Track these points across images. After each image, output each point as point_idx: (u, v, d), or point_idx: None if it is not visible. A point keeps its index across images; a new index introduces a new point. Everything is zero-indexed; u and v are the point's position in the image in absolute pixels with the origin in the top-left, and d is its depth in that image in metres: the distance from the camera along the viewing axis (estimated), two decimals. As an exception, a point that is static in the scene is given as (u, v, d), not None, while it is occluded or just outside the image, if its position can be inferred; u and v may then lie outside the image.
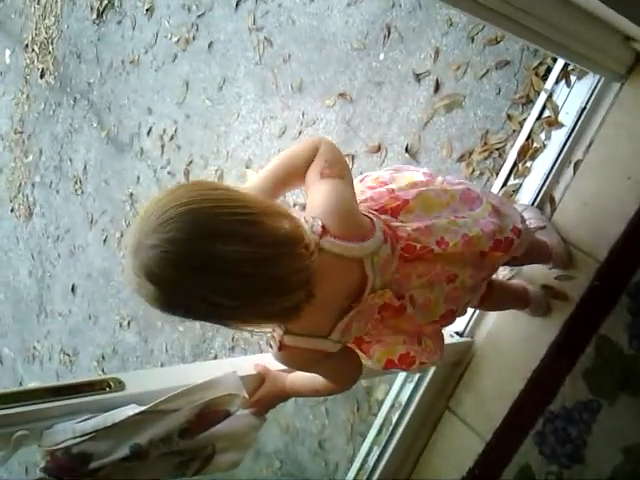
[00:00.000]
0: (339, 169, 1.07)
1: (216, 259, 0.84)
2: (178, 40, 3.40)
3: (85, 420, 0.97)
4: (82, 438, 0.95)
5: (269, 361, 1.24)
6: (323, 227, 0.98)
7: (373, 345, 1.22)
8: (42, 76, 4.71)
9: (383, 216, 1.14)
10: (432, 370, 1.78)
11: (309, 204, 1.06)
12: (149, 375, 1.27)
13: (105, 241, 3.86)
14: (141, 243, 0.85)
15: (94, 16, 4.17)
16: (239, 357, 1.51)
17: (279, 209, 0.94)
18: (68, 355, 4.05)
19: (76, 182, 4.16)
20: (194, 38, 3.31)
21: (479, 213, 1.22)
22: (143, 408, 1.01)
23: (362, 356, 1.22)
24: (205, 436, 1.14)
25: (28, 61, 4.95)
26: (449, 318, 1.28)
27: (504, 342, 1.73)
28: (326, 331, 1.03)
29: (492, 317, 1.77)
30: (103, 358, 3.69)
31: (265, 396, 1.25)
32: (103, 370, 3.69)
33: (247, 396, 1.17)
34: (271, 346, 1.05)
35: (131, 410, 1.00)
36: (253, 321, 0.96)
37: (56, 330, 4.22)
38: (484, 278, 1.32)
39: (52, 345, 4.23)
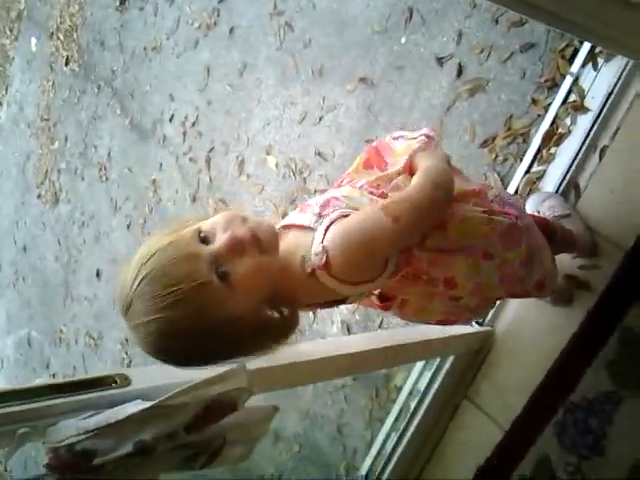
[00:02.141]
0: (403, 212, 0.96)
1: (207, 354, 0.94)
2: (199, 26, 3.39)
3: (89, 417, 0.97)
4: (85, 435, 0.95)
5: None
6: (325, 264, 0.93)
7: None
8: (67, 64, 4.74)
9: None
10: (451, 358, 1.76)
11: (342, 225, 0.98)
12: (155, 370, 1.26)
13: (129, 227, 3.89)
14: (130, 324, 0.90)
15: (117, 3, 4.19)
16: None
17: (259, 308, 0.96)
18: (93, 338, 4.11)
19: (101, 169, 4.20)
20: (215, 24, 3.29)
21: (511, 257, 1.14)
22: (148, 404, 1.00)
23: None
24: (216, 428, 1.13)
25: (53, 49, 4.99)
26: (446, 324, 1.27)
27: (525, 332, 1.70)
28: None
29: (513, 306, 1.74)
30: (127, 341, 3.73)
31: None
32: (127, 353, 3.73)
33: (254, 390, 1.16)
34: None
35: (135, 406, 0.99)
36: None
37: (82, 314, 4.28)
38: (494, 302, 1.32)
39: (78, 328, 4.30)
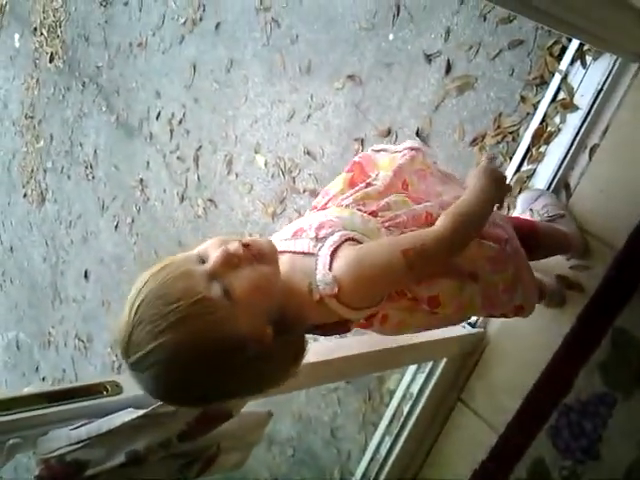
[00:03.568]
0: (420, 262, 0.96)
1: (206, 392, 0.88)
2: (185, 21, 3.34)
3: (81, 426, 0.95)
4: (76, 445, 0.93)
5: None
6: (337, 295, 0.92)
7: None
8: (51, 60, 4.68)
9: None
10: (444, 361, 1.75)
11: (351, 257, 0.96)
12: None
13: (117, 227, 3.85)
14: (131, 362, 0.85)
15: (101, -2, 4.12)
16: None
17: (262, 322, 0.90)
18: (82, 341, 4.07)
19: (87, 167, 4.15)
20: (201, 19, 3.25)
21: (495, 280, 1.16)
22: (140, 413, 0.98)
23: None
24: (210, 436, 1.12)
25: (37, 45, 4.92)
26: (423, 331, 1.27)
27: (517, 333, 1.69)
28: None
29: (505, 307, 1.73)
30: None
31: None
32: (117, 356, 3.70)
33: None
34: None
35: (127, 415, 0.98)
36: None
37: (70, 316, 4.25)
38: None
39: (67, 331, 4.26)
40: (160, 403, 1.00)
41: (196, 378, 0.84)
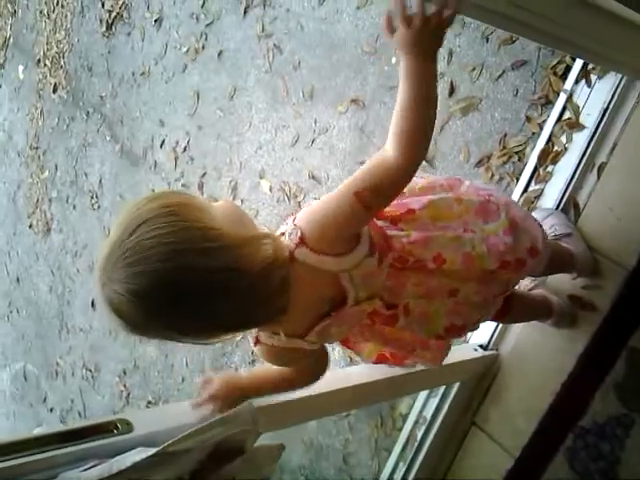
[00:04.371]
0: (375, 201, 0.96)
1: (185, 314, 0.85)
2: (187, 50, 3.38)
3: (91, 467, 0.93)
4: (87, 488, 0.91)
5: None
6: (301, 238, 0.95)
7: (361, 344, 1.24)
8: (55, 91, 4.72)
9: (380, 222, 1.08)
10: (457, 385, 1.73)
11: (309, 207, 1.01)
12: (157, 413, 1.23)
13: (123, 255, 3.83)
14: (108, 284, 0.84)
15: (103, 29, 4.16)
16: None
17: (256, 235, 0.93)
18: (90, 371, 4.04)
19: (92, 197, 4.16)
20: (203, 47, 3.28)
21: (492, 229, 1.15)
22: (151, 452, 0.96)
23: (349, 351, 1.25)
24: (223, 472, 1.10)
25: (41, 76, 4.97)
26: (456, 332, 1.22)
27: (531, 355, 1.67)
28: (302, 332, 1.02)
29: (517, 329, 1.71)
30: (125, 373, 3.68)
31: (219, 390, 1.14)
32: (125, 385, 3.68)
33: (261, 431, 1.12)
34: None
35: (138, 455, 0.96)
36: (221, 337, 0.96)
37: (78, 346, 4.22)
38: (496, 295, 1.24)
39: (74, 361, 4.23)
40: (171, 441, 0.99)
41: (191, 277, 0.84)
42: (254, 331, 1.04)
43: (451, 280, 1.12)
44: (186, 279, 0.83)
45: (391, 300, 1.08)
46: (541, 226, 1.28)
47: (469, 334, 1.72)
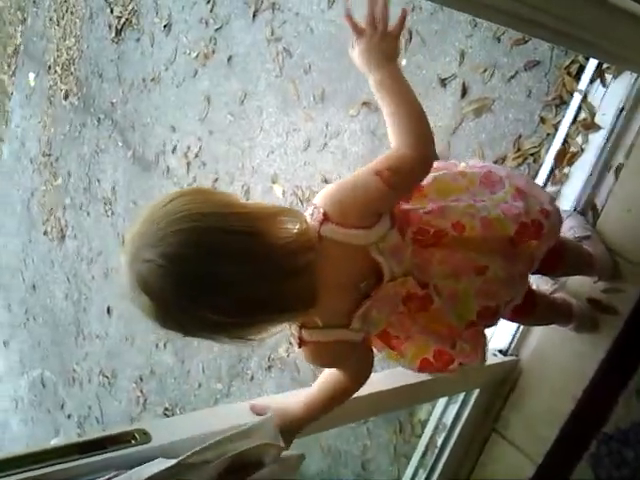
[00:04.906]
0: (396, 180, 0.99)
1: (215, 280, 0.85)
2: (197, 55, 3.37)
3: (109, 479, 0.92)
4: (107, 500, 0.91)
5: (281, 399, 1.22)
6: (324, 214, 0.96)
7: (404, 342, 1.19)
8: (66, 97, 4.74)
9: None
10: (476, 391, 1.71)
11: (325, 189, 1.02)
12: (176, 423, 1.22)
13: (137, 261, 3.84)
14: (138, 255, 0.85)
15: (113, 35, 4.17)
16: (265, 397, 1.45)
17: (282, 212, 0.94)
18: (107, 377, 4.06)
19: (105, 203, 4.18)
20: (213, 52, 3.27)
21: (501, 197, 1.16)
22: (170, 463, 0.96)
23: (393, 354, 1.20)
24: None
25: (52, 83, 4.99)
26: (488, 318, 1.20)
27: (551, 360, 1.65)
28: (344, 320, 1.02)
29: (537, 333, 1.69)
30: (141, 379, 3.69)
31: (282, 429, 1.13)
32: (142, 391, 3.69)
33: (283, 444, 1.11)
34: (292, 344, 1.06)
35: (157, 466, 0.95)
36: (257, 329, 0.94)
37: (94, 352, 4.24)
38: (522, 273, 1.22)
39: (91, 367, 4.25)
40: (190, 452, 0.98)
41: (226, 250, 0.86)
42: (292, 333, 1.04)
43: (477, 255, 1.11)
44: (212, 239, 0.85)
45: (421, 278, 1.09)
46: (544, 190, 1.31)
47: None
